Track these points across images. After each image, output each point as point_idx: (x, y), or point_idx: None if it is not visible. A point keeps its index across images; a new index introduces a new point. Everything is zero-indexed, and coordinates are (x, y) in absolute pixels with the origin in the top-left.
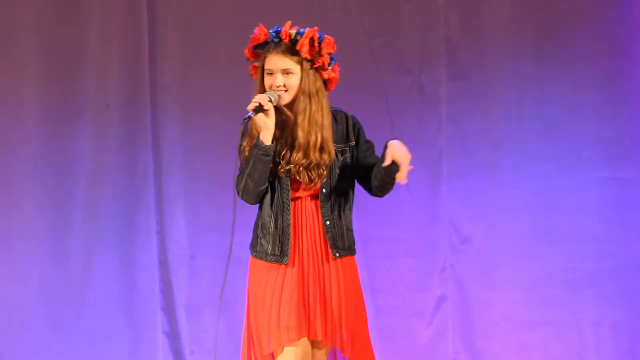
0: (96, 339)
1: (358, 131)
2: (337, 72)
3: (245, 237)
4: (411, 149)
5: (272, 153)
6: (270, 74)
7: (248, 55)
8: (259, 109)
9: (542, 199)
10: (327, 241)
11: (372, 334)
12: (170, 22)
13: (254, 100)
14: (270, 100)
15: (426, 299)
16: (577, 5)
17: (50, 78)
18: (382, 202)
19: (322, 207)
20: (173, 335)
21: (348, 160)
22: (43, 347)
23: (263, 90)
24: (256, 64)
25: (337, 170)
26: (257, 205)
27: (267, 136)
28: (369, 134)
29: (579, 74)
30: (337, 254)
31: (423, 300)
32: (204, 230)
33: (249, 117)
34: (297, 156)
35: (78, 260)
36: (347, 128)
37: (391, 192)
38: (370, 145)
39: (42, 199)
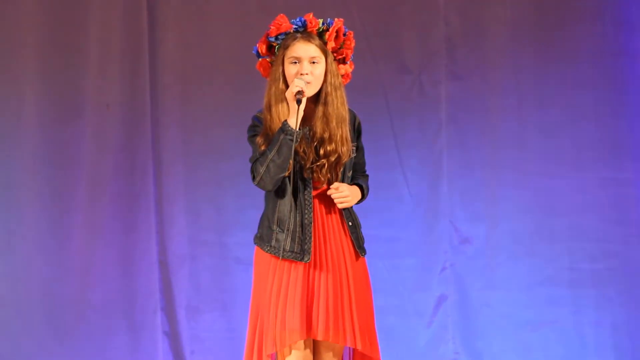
0: (96, 339)
1: (359, 134)
2: (352, 69)
3: (245, 237)
4: (411, 149)
5: (299, 139)
6: (295, 62)
7: (261, 49)
8: (302, 93)
9: (542, 199)
10: (352, 242)
11: None
12: (170, 22)
13: (295, 84)
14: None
15: (426, 299)
16: (577, 5)
17: (50, 78)
18: (382, 202)
19: (343, 209)
20: (173, 335)
21: (353, 159)
22: (43, 347)
23: (285, 81)
24: (267, 59)
25: (349, 169)
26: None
27: (294, 121)
28: (368, 133)
29: (579, 74)
30: (363, 254)
31: (423, 300)
32: (204, 230)
33: (301, 101)
34: (330, 148)
35: (78, 261)
36: (354, 128)
37: (391, 192)
38: (363, 150)
39: (42, 199)
